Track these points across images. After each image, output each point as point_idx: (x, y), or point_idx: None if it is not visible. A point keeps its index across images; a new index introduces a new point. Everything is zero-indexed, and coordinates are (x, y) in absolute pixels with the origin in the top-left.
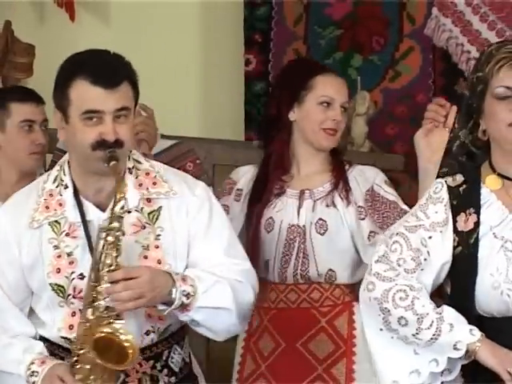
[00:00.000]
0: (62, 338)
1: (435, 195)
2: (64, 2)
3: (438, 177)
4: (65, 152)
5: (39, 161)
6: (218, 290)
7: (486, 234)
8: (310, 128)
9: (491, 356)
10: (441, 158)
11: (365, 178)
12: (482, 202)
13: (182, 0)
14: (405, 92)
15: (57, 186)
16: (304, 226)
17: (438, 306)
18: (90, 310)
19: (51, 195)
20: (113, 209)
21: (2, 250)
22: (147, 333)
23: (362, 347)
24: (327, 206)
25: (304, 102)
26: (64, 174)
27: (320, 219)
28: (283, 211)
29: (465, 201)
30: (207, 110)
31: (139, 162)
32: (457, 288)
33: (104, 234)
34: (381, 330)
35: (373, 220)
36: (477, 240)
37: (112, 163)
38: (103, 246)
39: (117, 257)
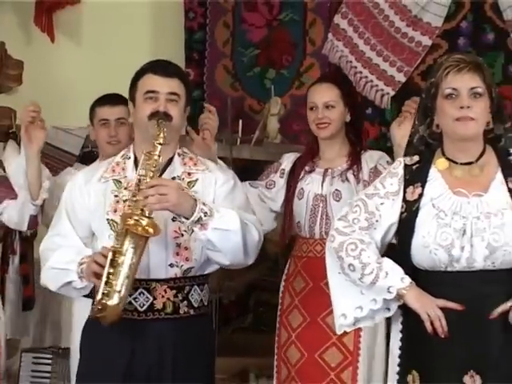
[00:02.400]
0: None
1: (393, 170)
2: (46, 27)
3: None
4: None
5: (115, 148)
6: (229, 216)
7: (426, 204)
8: (311, 126)
9: (415, 300)
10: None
11: (372, 159)
12: (428, 179)
13: (135, 28)
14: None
15: (122, 159)
16: (326, 195)
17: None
18: (128, 209)
19: (118, 164)
20: (154, 140)
21: (77, 197)
22: (171, 265)
23: None
24: (342, 181)
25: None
26: (129, 151)
27: (336, 190)
28: (311, 184)
29: (415, 176)
30: None
31: (186, 153)
32: (400, 245)
33: (147, 157)
34: (339, 273)
35: None
36: (418, 208)
37: (160, 121)
38: (146, 165)
39: (154, 172)
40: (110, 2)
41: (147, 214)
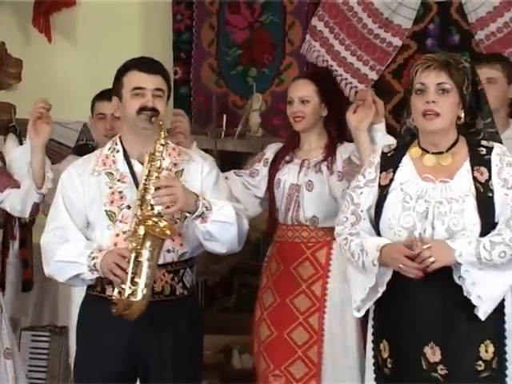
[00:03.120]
0: None
1: (372, 159)
2: (43, 28)
3: None
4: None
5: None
6: (226, 209)
7: (395, 188)
8: (289, 119)
9: (386, 259)
10: (365, 127)
11: (346, 150)
12: (400, 165)
13: (127, 29)
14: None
15: (111, 152)
16: (300, 185)
17: None
18: (139, 211)
19: (107, 157)
20: (157, 141)
21: (72, 190)
22: (168, 251)
23: (334, 273)
24: (316, 172)
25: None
26: (116, 144)
27: (309, 180)
28: (287, 174)
29: (389, 163)
30: None
31: (168, 143)
32: (374, 226)
33: (151, 158)
34: (352, 267)
35: (346, 180)
36: (387, 192)
37: (153, 119)
38: (150, 166)
39: (159, 173)
40: (104, 5)
41: (162, 216)
